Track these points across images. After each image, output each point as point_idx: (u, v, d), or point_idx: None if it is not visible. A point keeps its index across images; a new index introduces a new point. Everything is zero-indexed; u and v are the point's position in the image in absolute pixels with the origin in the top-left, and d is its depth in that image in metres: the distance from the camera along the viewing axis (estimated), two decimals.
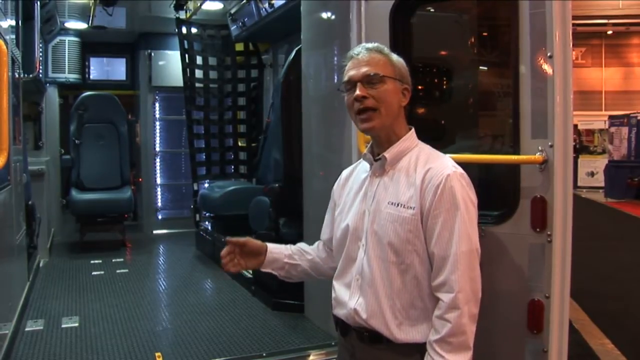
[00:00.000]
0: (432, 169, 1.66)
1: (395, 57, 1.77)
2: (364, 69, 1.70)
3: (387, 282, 1.67)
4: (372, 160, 1.78)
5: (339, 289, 1.80)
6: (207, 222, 6.61)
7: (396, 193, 1.69)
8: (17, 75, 4.18)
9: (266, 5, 5.34)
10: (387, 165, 1.74)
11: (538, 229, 2.06)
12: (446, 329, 1.56)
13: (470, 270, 1.60)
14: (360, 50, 1.75)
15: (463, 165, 1.73)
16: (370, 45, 1.78)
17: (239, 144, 7.17)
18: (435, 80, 3.02)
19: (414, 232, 1.64)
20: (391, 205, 1.68)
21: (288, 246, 1.98)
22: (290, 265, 1.95)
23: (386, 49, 1.77)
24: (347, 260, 1.79)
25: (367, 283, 1.70)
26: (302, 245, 2.02)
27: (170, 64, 7.40)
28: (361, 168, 1.87)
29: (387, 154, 1.73)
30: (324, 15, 3.63)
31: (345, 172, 1.97)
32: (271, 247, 1.95)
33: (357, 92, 1.68)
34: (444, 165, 1.67)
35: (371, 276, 1.69)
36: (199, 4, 6.02)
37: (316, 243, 2.02)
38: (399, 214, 1.66)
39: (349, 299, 1.74)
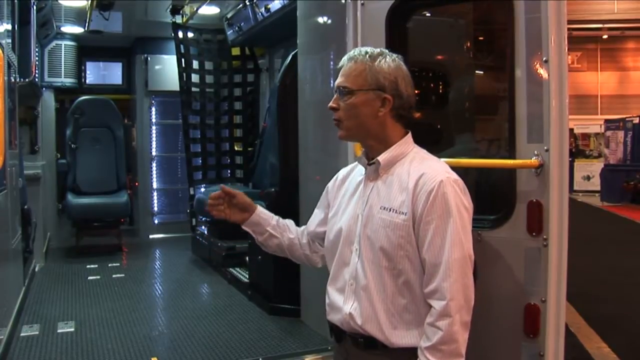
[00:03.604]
0: (425, 175, 1.64)
1: (382, 63, 1.69)
2: (339, 80, 1.73)
3: (380, 287, 1.66)
4: (366, 164, 1.77)
5: (333, 294, 1.79)
6: (203, 227, 6.58)
7: (389, 198, 1.68)
8: (13, 80, 4.17)
9: (262, 9, 5.35)
10: (380, 169, 1.72)
11: (534, 233, 2.07)
12: (437, 337, 1.55)
13: (463, 278, 1.58)
14: (346, 57, 1.75)
15: (459, 169, 1.73)
16: (355, 52, 1.73)
17: (235, 148, 7.17)
18: (431, 85, 3.03)
19: (405, 238, 1.63)
20: (383, 210, 1.67)
21: (276, 217, 1.99)
22: (270, 235, 1.95)
23: (374, 54, 1.70)
24: (340, 265, 1.77)
25: (361, 287, 1.69)
26: (289, 222, 2.01)
27: (167, 68, 7.39)
28: (358, 171, 1.86)
29: (381, 158, 1.72)
30: (320, 19, 3.64)
31: (342, 172, 1.94)
32: (260, 210, 1.96)
33: (331, 102, 1.74)
34: (438, 171, 1.65)
35: (365, 280, 1.68)
36: (195, 9, 6.02)
37: (303, 227, 2.02)
38: (391, 219, 1.65)
39: (344, 303, 1.73)
